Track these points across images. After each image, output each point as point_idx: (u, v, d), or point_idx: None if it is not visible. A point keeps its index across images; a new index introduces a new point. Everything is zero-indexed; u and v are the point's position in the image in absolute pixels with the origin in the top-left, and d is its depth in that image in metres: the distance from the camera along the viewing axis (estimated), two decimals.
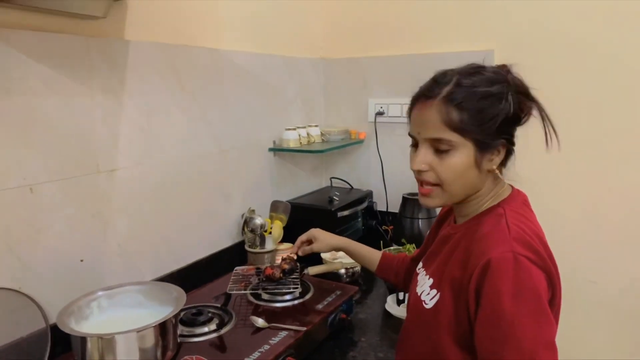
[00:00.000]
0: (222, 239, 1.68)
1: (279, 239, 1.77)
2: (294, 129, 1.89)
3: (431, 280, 0.92)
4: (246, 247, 1.71)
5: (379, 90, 2.07)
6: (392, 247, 1.70)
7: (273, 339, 1.15)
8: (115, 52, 1.24)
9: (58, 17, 1.10)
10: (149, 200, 1.37)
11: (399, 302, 1.45)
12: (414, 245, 1.65)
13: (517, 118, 0.87)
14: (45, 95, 1.09)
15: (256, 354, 1.08)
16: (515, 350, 0.73)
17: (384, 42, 2.04)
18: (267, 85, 1.84)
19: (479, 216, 0.88)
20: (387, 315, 1.44)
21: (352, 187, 2.14)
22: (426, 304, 0.90)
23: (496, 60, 1.77)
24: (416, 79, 2.01)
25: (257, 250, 1.69)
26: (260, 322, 1.22)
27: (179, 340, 1.04)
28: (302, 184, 2.09)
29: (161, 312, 1.00)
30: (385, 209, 2.11)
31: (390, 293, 1.52)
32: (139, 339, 0.91)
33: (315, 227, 1.68)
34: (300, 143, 1.90)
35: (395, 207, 2.02)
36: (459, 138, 0.83)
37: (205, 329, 1.19)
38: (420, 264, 1.04)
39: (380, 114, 2.05)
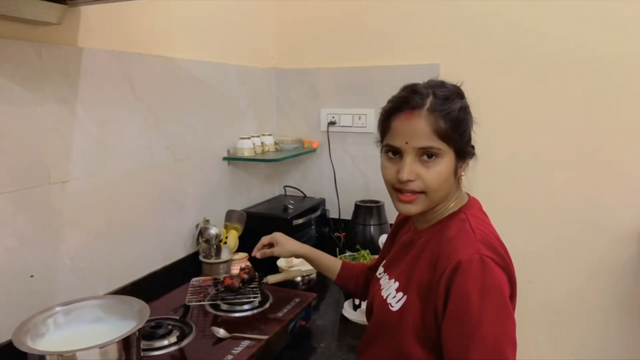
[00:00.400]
0: (176, 250, 1.65)
1: (235, 249, 1.76)
2: (248, 138, 1.89)
3: (397, 283, 0.96)
4: (201, 258, 1.69)
5: (330, 101, 2.12)
6: (346, 254, 1.74)
7: (235, 349, 1.16)
8: (67, 59, 1.20)
9: (10, 23, 1.06)
10: (102, 212, 1.33)
11: (355, 308, 1.48)
12: (368, 251, 1.70)
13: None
14: None
15: None
16: (481, 344, 0.78)
17: (334, 54, 2.10)
18: (220, 94, 1.83)
19: (442, 220, 0.94)
20: (344, 320, 1.48)
21: (305, 196, 2.17)
22: (392, 306, 0.94)
23: (442, 74, 1.87)
24: (367, 91, 2.09)
25: (213, 260, 1.68)
26: (221, 332, 1.22)
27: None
28: (256, 192, 2.10)
29: (123, 326, 0.97)
30: (337, 216, 2.15)
31: (347, 299, 1.55)
32: (102, 355, 0.89)
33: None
34: (255, 152, 1.90)
35: (347, 215, 2.07)
36: (444, 146, 0.89)
37: (165, 342, 1.17)
38: (381, 269, 1.08)
39: (332, 123, 2.10)
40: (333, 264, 1.35)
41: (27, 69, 1.10)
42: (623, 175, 1.77)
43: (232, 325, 1.27)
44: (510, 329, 0.81)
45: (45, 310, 0.99)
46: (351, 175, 2.12)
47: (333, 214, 2.16)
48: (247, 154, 1.88)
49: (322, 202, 2.13)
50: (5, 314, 1.08)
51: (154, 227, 1.54)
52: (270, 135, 2.04)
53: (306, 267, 1.54)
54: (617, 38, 1.70)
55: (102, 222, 1.34)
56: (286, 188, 2.17)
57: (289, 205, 1.94)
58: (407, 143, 0.90)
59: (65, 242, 1.23)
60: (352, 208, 2.00)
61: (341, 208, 2.15)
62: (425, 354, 0.87)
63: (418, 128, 0.88)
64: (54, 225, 1.20)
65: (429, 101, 0.89)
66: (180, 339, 1.19)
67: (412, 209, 0.93)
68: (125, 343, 0.92)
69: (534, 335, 1.95)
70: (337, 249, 1.81)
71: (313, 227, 2.06)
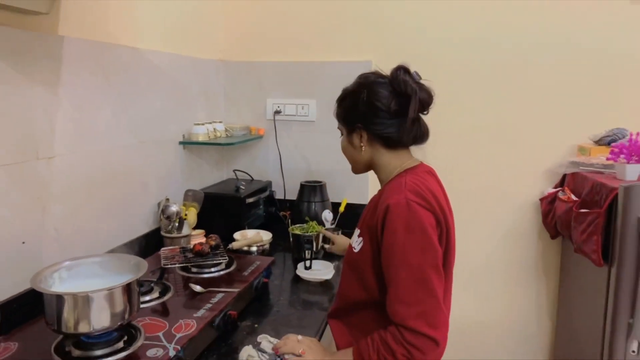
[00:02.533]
0: (141, 225, 1.79)
1: (194, 225, 1.93)
2: (202, 125, 2.06)
3: (358, 231, 1.21)
4: (162, 233, 1.84)
5: (275, 92, 2.34)
6: (296, 225, 1.97)
7: (212, 299, 1.35)
8: (52, 46, 1.32)
9: (5, 12, 1.17)
10: (81, 187, 1.46)
11: (307, 268, 1.72)
12: (315, 222, 1.94)
13: (372, 108, 1.18)
14: None
15: (202, 311, 1.27)
16: (407, 269, 1.04)
17: (277, 49, 2.31)
18: (177, 83, 1.98)
19: (389, 182, 1.19)
20: (297, 279, 1.71)
21: (252, 179, 2.36)
22: (355, 249, 1.19)
23: (374, 69, 2.15)
24: (308, 83, 2.33)
25: (174, 235, 1.83)
26: (198, 288, 1.40)
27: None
28: (208, 175, 2.26)
29: (118, 280, 1.13)
30: (283, 197, 2.37)
31: (299, 261, 1.78)
32: (109, 296, 1.05)
33: (225, 213, 1.94)
34: (209, 137, 2.07)
35: (291, 195, 2.30)
36: (341, 125, 1.24)
37: (148, 298, 1.34)
38: None
39: (277, 112, 2.31)
40: None
41: (20, 54, 1.22)
42: (521, 155, 2.16)
43: (204, 284, 1.45)
44: (432, 258, 1.05)
45: (51, 266, 1.12)
46: (295, 159, 2.35)
47: (279, 195, 2.38)
48: (201, 138, 2.05)
49: (269, 184, 2.34)
50: (3, 275, 1.19)
51: (123, 204, 1.67)
52: (221, 122, 2.21)
53: (267, 237, 1.77)
54: (520, 35, 2.08)
55: (81, 197, 1.46)
56: (236, 172, 2.35)
57: (241, 187, 2.14)
58: None
59: (50, 213, 1.35)
60: (296, 189, 2.23)
61: (286, 189, 2.37)
62: (381, 285, 1.13)
63: None
64: (42, 198, 1.31)
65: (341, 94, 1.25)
66: (162, 294, 1.36)
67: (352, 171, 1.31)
68: (128, 289, 1.09)
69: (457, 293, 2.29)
70: (289, 221, 2.02)
71: (261, 206, 2.27)
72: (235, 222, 2.03)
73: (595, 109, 2.05)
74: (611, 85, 2.03)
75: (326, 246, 1.79)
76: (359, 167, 1.27)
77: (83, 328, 1.03)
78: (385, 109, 1.15)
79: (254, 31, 2.33)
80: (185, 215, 1.88)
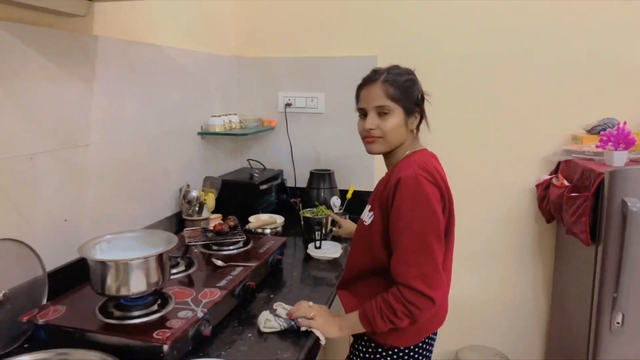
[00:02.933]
0: (164, 209, 1.94)
1: (212, 209, 2.08)
2: (219, 116, 2.21)
3: (369, 206, 1.36)
4: (184, 216, 2.00)
5: (286, 85, 2.48)
6: (307, 209, 2.11)
7: (232, 272, 1.50)
8: (88, 45, 1.47)
9: (49, 15, 1.32)
10: (111, 173, 1.61)
11: (317, 248, 1.87)
12: (324, 206, 2.09)
13: (423, 98, 1.36)
14: (40, 80, 1.30)
15: (224, 282, 1.42)
16: (411, 234, 1.19)
17: (288, 45, 2.45)
18: (195, 77, 2.13)
19: (400, 161, 1.33)
20: (308, 257, 1.86)
21: (265, 167, 2.51)
22: (365, 222, 1.35)
23: (379, 64, 2.29)
24: (317, 77, 2.47)
25: (195, 217, 1.99)
26: (219, 262, 1.55)
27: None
28: (224, 164, 2.41)
29: (149, 253, 1.27)
30: (293, 185, 2.52)
31: (309, 242, 1.93)
32: (145, 264, 1.20)
33: (240, 199, 2.08)
34: (225, 128, 2.22)
35: (301, 183, 2.45)
36: (394, 105, 1.29)
37: (175, 270, 1.49)
38: None
39: (288, 105, 2.46)
40: None
41: (62, 53, 1.37)
42: (519, 144, 2.28)
43: (224, 259, 1.60)
44: (435, 226, 1.20)
45: (94, 239, 1.28)
46: (305, 149, 2.50)
47: (289, 182, 2.53)
48: (218, 129, 2.20)
49: (280, 172, 2.48)
50: (51, 247, 1.35)
51: (148, 189, 1.83)
52: (235, 114, 2.36)
53: (280, 220, 1.93)
54: (518, 33, 2.20)
55: (112, 182, 1.62)
56: (249, 161, 2.49)
57: (255, 174, 2.28)
58: (368, 104, 1.32)
59: (86, 195, 1.50)
60: (306, 177, 2.38)
61: (297, 177, 2.51)
62: (388, 253, 1.28)
63: (375, 93, 1.30)
64: (79, 181, 1.47)
65: (383, 76, 1.30)
66: (187, 268, 1.52)
67: (374, 148, 1.34)
68: (160, 258, 1.24)
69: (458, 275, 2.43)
70: (301, 205, 2.16)
71: (273, 193, 2.41)
72: (250, 207, 2.18)
73: (588, 101, 2.17)
74: (602, 78, 2.15)
75: (334, 229, 1.94)
76: (390, 146, 1.33)
77: (123, 291, 1.19)
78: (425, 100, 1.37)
79: (265, 29, 2.47)
80: (205, 200, 2.03)
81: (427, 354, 1.41)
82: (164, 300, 1.28)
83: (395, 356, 1.36)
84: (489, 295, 2.44)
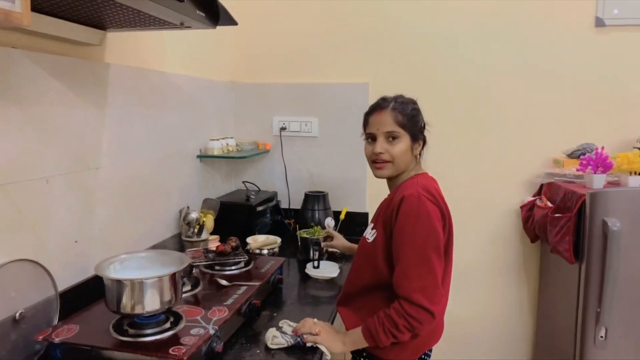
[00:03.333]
0: (166, 230, 1.99)
1: (211, 230, 2.13)
2: (218, 140, 2.27)
3: (372, 224, 1.45)
4: (183, 237, 2.04)
5: (281, 110, 2.57)
6: (303, 230, 2.18)
7: (237, 291, 1.55)
8: (100, 72, 1.53)
9: (65, 44, 1.38)
10: (118, 195, 1.66)
11: (315, 267, 1.93)
12: (319, 226, 2.16)
13: (424, 127, 1.47)
14: (57, 106, 1.36)
15: (230, 300, 1.47)
16: (412, 250, 1.27)
17: (283, 72, 2.55)
18: (195, 102, 2.20)
19: (402, 183, 1.43)
20: (306, 277, 1.92)
21: (259, 189, 2.58)
22: (368, 240, 1.43)
23: (370, 90, 2.41)
24: (311, 103, 2.56)
25: (194, 239, 2.03)
26: (224, 282, 1.60)
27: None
28: (220, 186, 2.47)
29: (163, 272, 1.32)
30: (287, 206, 2.58)
31: (305, 262, 2.00)
32: (159, 283, 1.25)
33: (237, 220, 2.15)
34: (223, 151, 2.29)
35: (295, 204, 2.52)
36: (402, 131, 1.39)
37: (183, 289, 1.53)
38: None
39: (283, 129, 2.54)
40: None
41: (77, 80, 1.43)
42: (504, 168, 2.41)
43: (227, 279, 1.65)
44: (434, 241, 1.29)
45: (108, 259, 1.32)
46: (299, 171, 2.58)
47: (283, 204, 2.59)
48: (216, 152, 2.26)
49: (275, 194, 2.55)
50: (62, 268, 1.38)
51: (151, 210, 1.87)
52: (232, 138, 2.43)
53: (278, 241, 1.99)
54: (504, 64, 2.34)
55: (119, 203, 1.66)
56: (245, 183, 2.56)
57: (251, 196, 2.35)
58: (378, 129, 1.42)
59: (96, 217, 1.54)
60: (300, 198, 2.45)
61: (291, 199, 2.58)
62: (390, 269, 1.36)
63: (385, 119, 1.40)
64: (90, 203, 1.51)
65: (391, 104, 1.41)
66: (193, 287, 1.56)
67: (383, 173, 1.44)
68: (174, 277, 1.29)
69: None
70: (297, 226, 2.23)
71: (268, 215, 2.48)
72: (247, 228, 2.24)
73: (567, 127, 2.31)
74: (581, 106, 2.30)
75: (326, 243, 2.00)
76: (398, 170, 1.43)
77: (138, 309, 1.23)
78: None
79: (261, 56, 2.57)
80: (204, 221, 2.08)
81: None
82: (177, 318, 1.33)
83: None
84: (477, 312, 2.52)
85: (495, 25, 2.33)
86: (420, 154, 1.50)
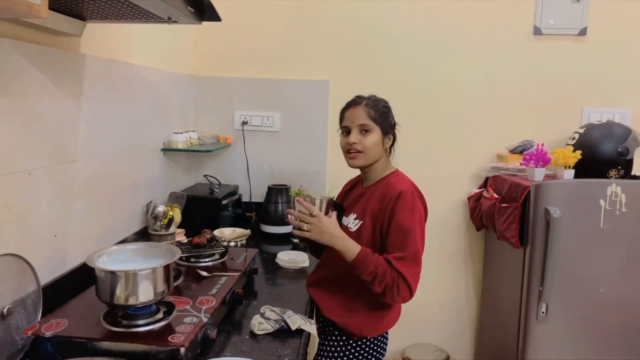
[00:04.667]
0: (132, 223, 1.97)
1: (178, 224, 2.13)
2: (182, 133, 2.27)
3: (354, 215, 1.55)
4: (149, 231, 2.03)
5: (242, 104, 2.60)
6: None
7: (219, 281, 1.59)
8: (78, 63, 1.51)
9: (45, 34, 1.35)
10: (93, 188, 1.63)
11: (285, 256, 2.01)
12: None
13: (395, 125, 1.60)
14: (40, 97, 1.33)
15: (215, 290, 1.51)
16: (412, 240, 1.41)
17: (244, 67, 2.58)
18: (158, 95, 2.18)
19: (383, 178, 1.56)
20: (277, 267, 1.99)
21: (220, 183, 2.59)
22: (351, 229, 1.53)
23: (331, 87, 2.51)
24: (273, 98, 2.61)
25: (162, 232, 2.03)
26: (204, 273, 1.64)
27: None
28: (181, 179, 2.46)
29: (149, 265, 1.33)
30: (249, 200, 2.62)
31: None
32: (152, 274, 1.27)
33: (202, 213, 2.16)
34: (187, 145, 2.29)
35: (257, 197, 2.57)
36: (374, 125, 1.51)
37: None
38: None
39: (245, 123, 2.57)
40: None
41: (58, 71, 1.40)
42: (452, 162, 2.60)
43: (205, 271, 1.68)
44: (424, 235, 1.47)
45: (97, 251, 1.31)
46: (260, 165, 2.62)
47: (244, 197, 2.63)
48: (180, 146, 2.26)
49: (236, 188, 2.58)
50: (42, 262, 1.36)
51: (122, 204, 1.86)
52: (194, 131, 2.43)
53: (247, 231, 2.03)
54: (453, 67, 2.52)
55: (93, 197, 1.64)
56: (207, 177, 2.56)
57: (215, 190, 2.37)
58: (352, 123, 1.54)
59: (73, 210, 1.52)
60: (261, 192, 2.50)
61: (252, 192, 2.62)
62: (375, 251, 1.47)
63: (358, 114, 1.53)
64: (68, 196, 1.49)
65: (365, 101, 1.54)
66: (175, 279, 1.58)
67: (356, 162, 1.55)
68: (166, 270, 1.31)
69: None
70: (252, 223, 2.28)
71: (230, 208, 2.50)
72: (212, 222, 2.26)
73: (510, 125, 2.55)
74: (520, 105, 2.54)
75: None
76: (369, 160, 1.55)
77: (132, 300, 1.25)
78: None
79: (223, 50, 2.58)
80: (171, 215, 2.08)
81: (384, 346, 1.66)
82: (169, 308, 1.35)
83: (363, 345, 1.59)
84: (427, 297, 2.69)
85: (444, 31, 2.52)
86: (390, 150, 1.62)
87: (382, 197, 1.50)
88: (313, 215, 1.49)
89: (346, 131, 1.57)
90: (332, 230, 1.48)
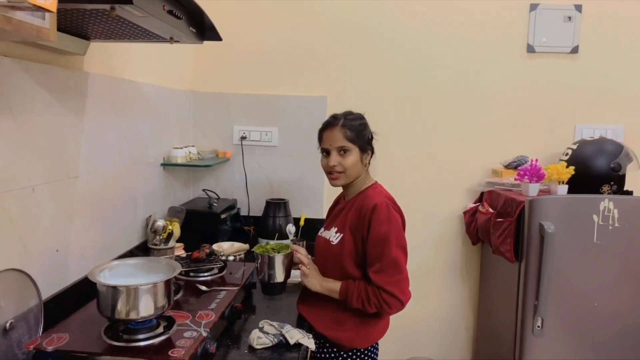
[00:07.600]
0: (131, 239, 1.99)
1: (177, 238, 2.15)
2: (181, 148, 2.30)
3: (335, 229, 1.60)
4: (149, 245, 2.05)
5: (241, 119, 2.63)
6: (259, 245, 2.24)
7: (218, 296, 1.61)
8: (81, 81, 1.54)
9: (49, 52, 1.38)
10: (93, 203, 1.66)
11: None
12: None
13: (372, 138, 1.64)
14: (43, 114, 1.36)
15: (214, 304, 1.53)
16: (388, 249, 1.46)
17: (244, 82, 2.62)
18: (158, 110, 2.21)
19: (362, 192, 1.60)
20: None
21: (219, 197, 2.62)
22: (333, 242, 1.58)
23: (328, 103, 2.55)
24: (272, 113, 2.66)
25: (162, 247, 2.05)
26: (204, 287, 1.65)
27: None
28: (179, 194, 2.49)
29: (149, 280, 1.35)
30: (247, 214, 2.65)
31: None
32: (153, 289, 1.28)
33: (202, 228, 2.21)
34: (186, 159, 2.31)
35: (255, 212, 2.60)
36: (351, 145, 1.56)
37: None
38: (322, 229, 1.68)
39: (243, 138, 2.61)
40: None
41: (61, 89, 1.43)
42: (448, 177, 2.63)
43: (204, 285, 1.70)
44: (403, 242, 1.52)
45: (99, 266, 1.33)
46: (259, 180, 2.65)
47: (243, 211, 2.65)
48: (180, 161, 2.29)
49: (235, 202, 2.60)
50: (44, 277, 1.38)
51: (122, 219, 1.87)
52: (193, 146, 2.46)
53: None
54: (450, 86, 2.57)
55: (94, 212, 1.66)
56: (205, 191, 2.59)
57: (214, 204, 2.39)
58: (330, 145, 1.58)
59: (74, 225, 1.54)
60: (260, 206, 2.53)
61: (251, 207, 2.65)
62: (357, 269, 1.53)
63: (335, 136, 1.57)
64: (69, 212, 1.51)
65: (341, 121, 1.58)
66: (175, 293, 1.59)
67: (337, 182, 1.62)
68: (167, 284, 1.33)
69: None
70: (257, 236, 2.30)
71: (229, 222, 2.52)
72: (210, 236, 2.28)
73: (504, 141, 2.59)
74: (515, 122, 2.58)
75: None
76: (350, 179, 1.61)
77: (132, 315, 1.26)
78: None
79: (222, 66, 2.62)
80: (171, 229, 2.10)
81: (375, 356, 1.69)
82: (169, 322, 1.37)
83: (354, 357, 1.62)
84: (424, 311, 2.72)
85: (440, 49, 2.57)
86: (369, 163, 1.67)
87: (359, 209, 1.55)
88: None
89: (326, 152, 1.62)
90: (317, 275, 1.61)
